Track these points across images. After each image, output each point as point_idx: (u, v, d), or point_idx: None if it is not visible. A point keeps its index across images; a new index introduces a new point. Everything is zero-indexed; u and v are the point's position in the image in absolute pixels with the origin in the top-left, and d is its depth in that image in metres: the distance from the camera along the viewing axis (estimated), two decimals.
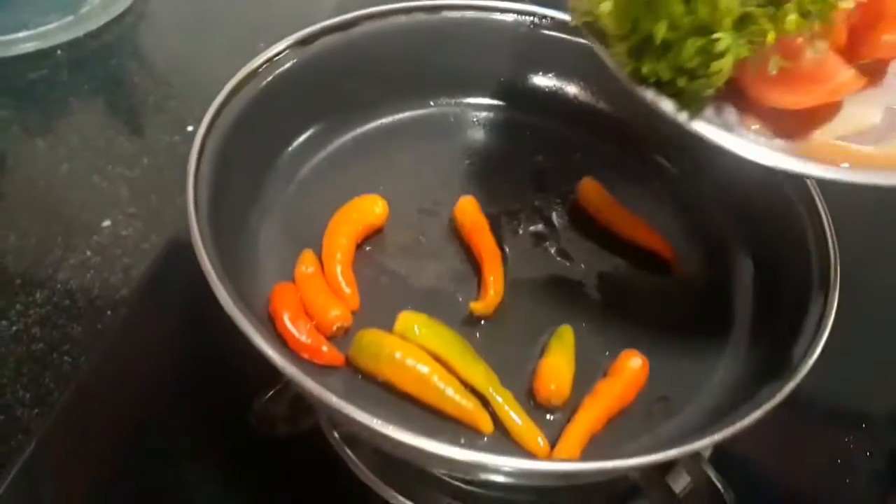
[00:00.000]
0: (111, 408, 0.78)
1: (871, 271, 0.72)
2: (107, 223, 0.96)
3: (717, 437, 0.58)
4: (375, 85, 0.87)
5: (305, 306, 0.71)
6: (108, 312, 0.87)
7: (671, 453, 0.56)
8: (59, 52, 1.17)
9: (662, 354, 0.74)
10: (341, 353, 0.69)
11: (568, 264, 0.81)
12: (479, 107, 0.93)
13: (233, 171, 0.71)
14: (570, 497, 0.73)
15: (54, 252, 0.92)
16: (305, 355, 0.68)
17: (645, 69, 0.55)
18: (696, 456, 0.64)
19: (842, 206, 0.73)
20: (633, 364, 0.71)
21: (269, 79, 0.78)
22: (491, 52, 0.88)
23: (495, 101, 0.93)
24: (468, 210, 0.81)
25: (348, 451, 0.72)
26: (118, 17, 1.23)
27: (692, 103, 0.56)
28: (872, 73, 0.60)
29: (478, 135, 0.92)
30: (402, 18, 0.86)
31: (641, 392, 0.71)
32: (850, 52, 0.57)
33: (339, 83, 0.85)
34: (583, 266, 0.81)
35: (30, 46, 1.15)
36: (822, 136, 0.58)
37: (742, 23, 0.51)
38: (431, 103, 0.92)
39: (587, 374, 0.71)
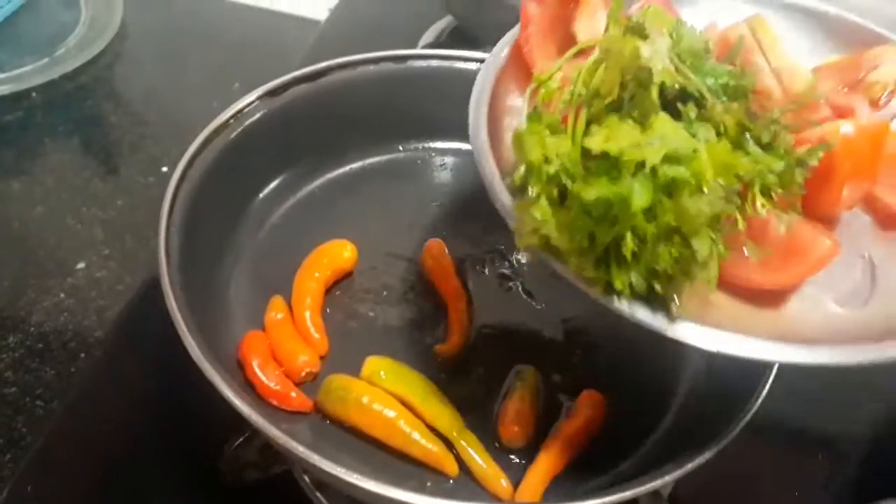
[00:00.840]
0: (84, 452, 0.78)
1: None
2: (81, 265, 0.96)
3: (674, 475, 0.60)
4: (344, 132, 0.89)
5: (274, 352, 0.72)
6: (82, 355, 0.87)
7: (627, 494, 0.58)
8: (34, 94, 1.18)
9: (622, 393, 0.76)
10: (310, 398, 0.71)
11: (533, 305, 0.84)
12: (446, 151, 0.96)
13: (204, 219, 0.73)
14: None
15: (28, 294, 0.92)
16: (274, 401, 0.69)
17: (618, 283, 0.50)
18: (655, 493, 0.66)
19: None
20: (592, 404, 0.72)
21: (240, 129, 0.80)
22: (456, 98, 0.90)
23: (461, 145, 0.95)
24: (434, 253, 0.83)
25: (319, 496, 0.73)
26: (94, 59, 1.24)
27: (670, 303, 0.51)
28: (828, 223, 0.59)
29: (444, 178, 0.95)
30: (371, 68, 0.88)
31: (601, 430, 0.73)
32: (805, 210, 0.56)
33: (309, 131, 0.87)
34: (546, 307, 0.83)
35: (4, 89, 1.15)
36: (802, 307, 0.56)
37: (714, 221, 0.48)
38: (400, 148, 0.94)
39: (550, 413, 0.74)
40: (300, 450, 0.56)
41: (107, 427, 0.80)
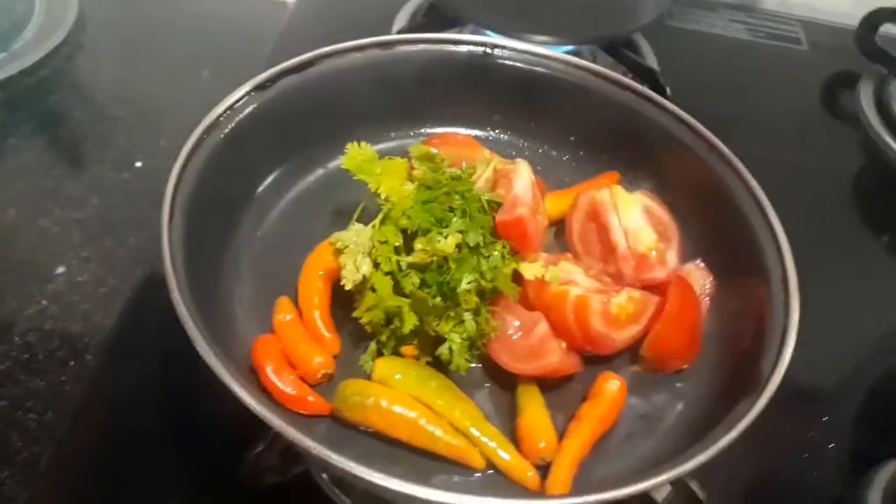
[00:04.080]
0: (93, 464, 0.77)
1: (824, 264, 0.76)
2: (61, 269, 0.93)
3: (702, 458, 0.60)
4: (336, 122, 0.87)
5: (287, 355, 0.71)
6: (71, 363, 0.84)
7: (662, 478, 0.59)
8: None
9: (636, 374, 0.77)
10: (326, 398, 0.70)
11: None
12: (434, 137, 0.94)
13: (203, 222, 0.71)
14: None
15: (8, 303, 0.89)
16: (291, 406, 0.68)
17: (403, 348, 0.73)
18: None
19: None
20: (611, 386, 0.73)
21: (232, 125, 0.78)
22: (444, 82, 0.90)
23: (453, 129, 0.94)
24: None
25: (338, 492, 0.72)
26: (53, 51, 1.19)
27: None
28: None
29: None
30: (358, 55, 0.86)
31: (621, 413, 0.73)
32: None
33: (301, 123, 0.85)
34: None
35: None
36: None
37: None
38: (392, 135, 0.93)
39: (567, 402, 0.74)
40: (333, 457, 0.55)
41: (112, 437, 0.78)
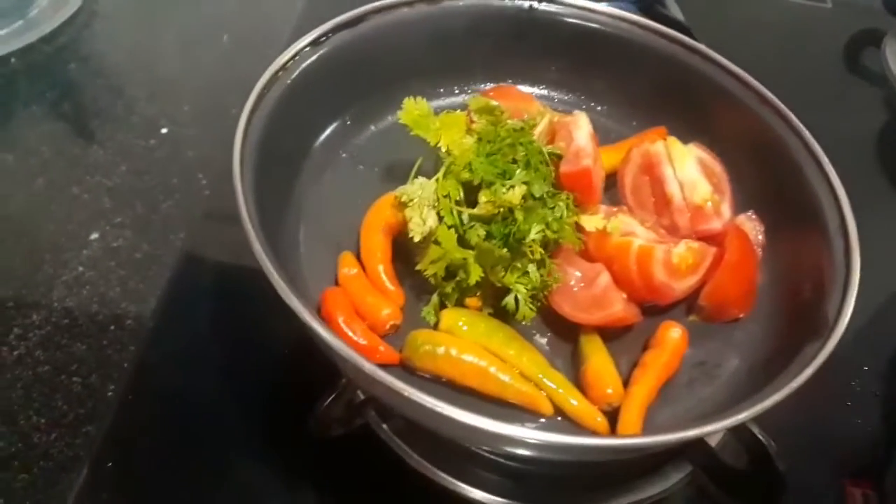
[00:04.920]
0: (155, 423, 0.77)
1: (868, 218, 0.77)
2: (94, 235, 0.92)
3: (777, 397, 0.61)
4: (388, 77, 0.87)
5: (356, 308, 0.71)
6: (111, 328, 0.84)
7: (740, 417, 0.60)
8: (12, 59, 1.10)
9: (693, 323, 0.78)
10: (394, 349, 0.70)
11: None
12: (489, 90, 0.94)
13: (266, 177, 0.70)
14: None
15: (44, 270, 0.88)
16: (363, 356, 0.67)
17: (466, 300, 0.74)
18: None
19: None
20: (673, 334, 0.74)
21: (290, 80, 0.78)
22: (495, 37, 0.89)
23: (503, 84, 0.94)
24: None
25: (399, 441, 0.73)
26: (70, 19, 1.17)
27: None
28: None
29: None
30: (406, 10, 0.86)
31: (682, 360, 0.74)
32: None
33: (354, 78, 0.85)
34: None
35: None
36: None
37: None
38: (443, 90, 0.94)
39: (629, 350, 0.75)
40: (424, 397, 0.56)
41: (172, 397, 0.78)
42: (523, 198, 0.70)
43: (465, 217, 0.71)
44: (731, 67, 0.85)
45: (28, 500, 0.70)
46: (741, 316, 0.78)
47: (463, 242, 0.71)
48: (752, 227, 0.81)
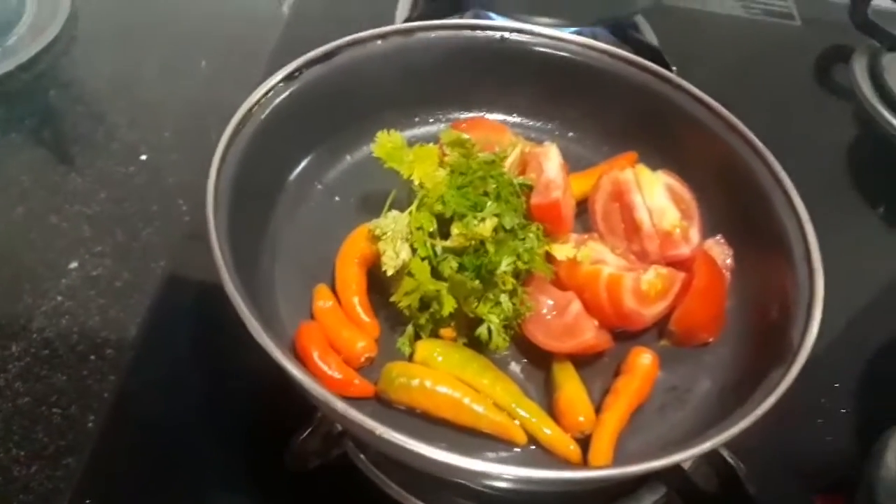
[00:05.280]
0: (133, 456, 0.77)
1: (822, 235, 0.79)
2: (74, 264, 0.93)
3: (743, 424, 0.63)
4: (361, 110, 0.88)
5: (330, 341, 0.72)
6: (91, 357, 0.84)
7: (707, 445, 0.61)
8: None
9: (663, 347, 0.79)
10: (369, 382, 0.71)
11: None
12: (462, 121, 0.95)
13: (241, 213, 0.71)
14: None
15: (24, 300, 0.88)
16: (337, 391, 0.68)
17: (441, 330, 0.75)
18: None
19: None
20: (643, 360, 0.75)
21: (264, 116, 0.78)
22: (467, 67, 0.91)
23: (476, 114, 0.96)
24: None
25: (376, 472, 0.73)
26: (48, 46, 1.17)
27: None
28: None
29: None
30: (379, 43, 0.87)
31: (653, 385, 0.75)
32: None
33: (327, 111, 0.85)
34: None
35: None
36: None
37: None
38: (416, 120, 0.95)
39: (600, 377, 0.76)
40: (393, 434, 0.57)
41: (151, 427, 0.79)
42: (494, 230, 0.71)
43: (438, 249, 0.73)
44: (699, 95, 0.86)
45: None
46: (710, 340, 0.79)
47: (436, 274, 0.72)
48: (720, 251, 0.82)
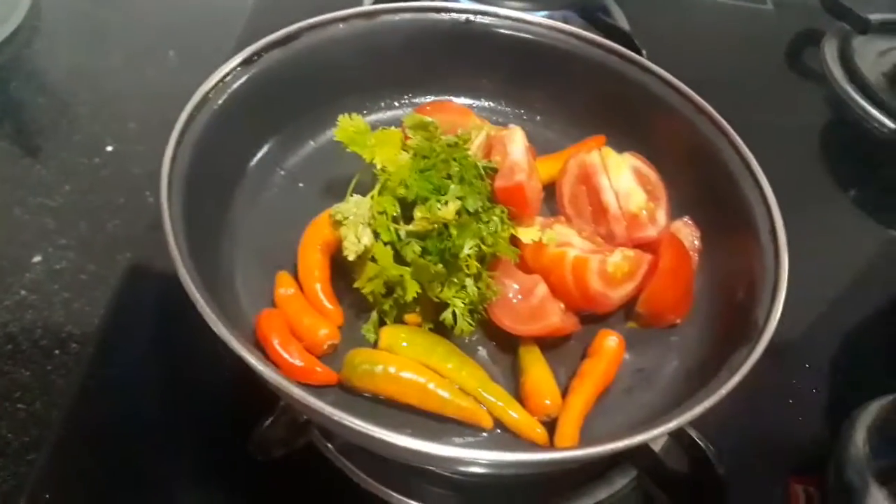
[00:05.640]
0: (96, 450, 0.76)
1: (794, 218, 0.79)
2: (37, 258, 0.91)
3: (707, 404, 0.62)
4: (324, 94, 0.87)
5: (292, 328, 0.71)
6: (56, 352, 0.83)
7: (671, 425, 0.61)
8: None
9: (633, 330, 0.79)
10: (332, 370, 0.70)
11: None
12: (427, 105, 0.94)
13: (199, 199, 0.70)
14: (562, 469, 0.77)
15: None
16: (299, 378, 0.68)
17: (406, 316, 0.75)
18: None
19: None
20: (610, 342, 0.75)
21: (222, 101, 0.77)
22: (431, 49, 0.90)
23: (443, 98, 0.95)
24: None
25: (343, 460, 0.73)
26: (10, 37, 1.15)
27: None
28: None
29: None
30: (341, 26, 0.86)
31: (619, 368, 0.75)
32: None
33: (288, 96, 0.84)
34: None
35: None
36: None
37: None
38: (382, 104, 0.94)
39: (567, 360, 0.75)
40: (354, 421, 0.56)
41: (112, 423, 0.77)
42: (458, 213, 0.71)
43: (401, 233, 0.72)
44: (667, 77, 0.86)
45: None
46: (678, 321, 0.79)
47: (399, 259, 0.71)
48: (688, 232, 0.82)
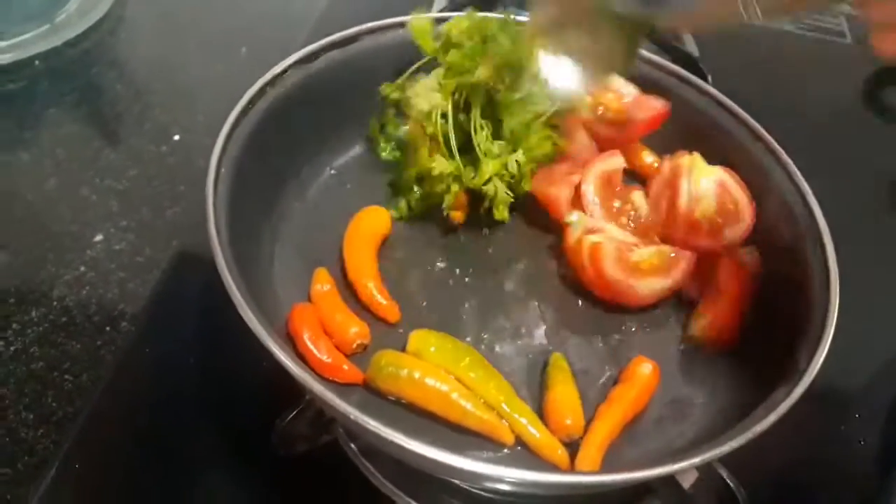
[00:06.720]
0: (127, 428, 0.77)
1: (861, 260, 0.76)
2: (99, 237, 0.94)
3: (737, 442, 0.60)
4: (377, 98, 0.87)
5: (324, 325, 0.72)
6: (107, 328, 0.85)
7: (696, 460, 0.59)
8: (36, 62, 1.14)
9: (669, 359, 0.77)
10: (359, 369, 0.71)
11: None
12: None
13: (245, 193, 0.72)
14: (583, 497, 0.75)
15: (47, 268, 0.90)
16: (326, 374, 0.68)
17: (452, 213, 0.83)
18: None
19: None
20: (644, 370, 0.73)
21: (276, 97, 0.79)
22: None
23: None
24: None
25: (365, 462, 0.73)
26: (96, 24, 1.20)
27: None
28: None
29: None
30: (401, 31, 0.86)
31: (652, 397, 0.73)
32: None
33: (342, 98, 0.85)
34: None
35: (6, 58, 1.11)
36: None
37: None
38: None
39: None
40: (369, 422, 0.56)
41: (147, 402, 0.79)
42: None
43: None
44: (723, 100, 0.85)
45: (9, 493, 0.72)
46: (731, 345, 0.77)
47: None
48: (751, 262, 0.80)
